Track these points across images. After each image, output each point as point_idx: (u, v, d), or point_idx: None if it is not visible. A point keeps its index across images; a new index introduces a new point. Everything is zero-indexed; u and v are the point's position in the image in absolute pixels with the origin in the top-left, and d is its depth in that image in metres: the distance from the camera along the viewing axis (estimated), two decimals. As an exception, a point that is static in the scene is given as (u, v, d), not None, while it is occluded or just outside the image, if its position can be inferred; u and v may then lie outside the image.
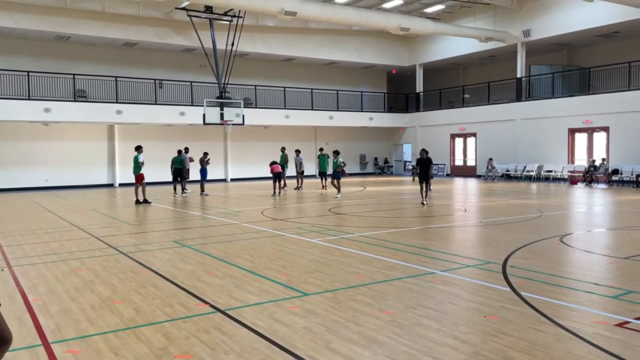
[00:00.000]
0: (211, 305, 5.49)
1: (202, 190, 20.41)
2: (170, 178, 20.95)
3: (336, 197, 17.80)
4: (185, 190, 20.47)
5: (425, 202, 15.34)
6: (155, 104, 25.32)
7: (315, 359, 4.01)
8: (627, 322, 4.72)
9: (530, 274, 6.58)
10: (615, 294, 5.73)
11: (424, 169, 15.72)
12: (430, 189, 18.74)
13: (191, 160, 20.35)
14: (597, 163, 23.05)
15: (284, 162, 22.07)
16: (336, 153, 18.84)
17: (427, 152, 19.64)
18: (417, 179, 18.66)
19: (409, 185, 24.12)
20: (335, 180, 18.42)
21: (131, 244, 9.56)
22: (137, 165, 16.47)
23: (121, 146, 26.51)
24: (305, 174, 23.35)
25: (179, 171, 20.14)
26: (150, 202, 16.73)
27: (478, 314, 5.08)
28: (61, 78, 23.66)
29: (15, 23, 22.05)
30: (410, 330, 4.63)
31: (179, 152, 20.25)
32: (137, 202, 16.67)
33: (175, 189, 20.31)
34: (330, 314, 5.10)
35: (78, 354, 4.23)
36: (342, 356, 4.07)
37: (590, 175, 22.47)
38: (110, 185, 26.44)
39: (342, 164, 18.78)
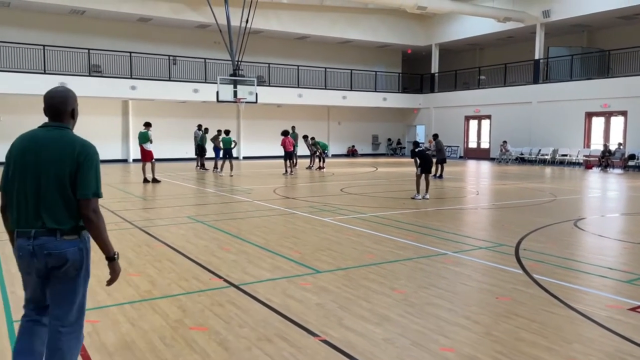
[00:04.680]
0: (225, 280, 5.56)
1: (216, 167, 20.52)
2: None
3: (215, 170, 19.63)
4: (204, 168, 21.24)
5: (419, 197, 12.66)
6: (169, 80, 25.32)
7: (327, 335, 4.07)
8: (640, 307, 4.71)
9: (543, 257, 6.57)
10: (629, 278, 5.71)
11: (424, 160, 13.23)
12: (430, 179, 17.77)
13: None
14: (613, 148, 22.75)
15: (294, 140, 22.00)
16: (226, 132, 19.68)
17: (437, 136, 18.76)
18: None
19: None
20: (227, 160, 19.19)
21: (145, 218, 9.67)
22: (145, 141, 16.19)
23: (135, 122, 26.60)
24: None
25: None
26: (159, 181, 16.35)
27: (490, 295, 5.10)
28: (76, 52, 23.69)
29: (32, -4, 22.08)
30: (422, 309, 4.66)
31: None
32: (146, 180, 16.13)
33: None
34: (343, 292, 5.15)
35: (96, 323, 4.33)
36: (354, 332, 4.11)
37: (605, 160, 22.21)
38: (124, 161, 26.63)
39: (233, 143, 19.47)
